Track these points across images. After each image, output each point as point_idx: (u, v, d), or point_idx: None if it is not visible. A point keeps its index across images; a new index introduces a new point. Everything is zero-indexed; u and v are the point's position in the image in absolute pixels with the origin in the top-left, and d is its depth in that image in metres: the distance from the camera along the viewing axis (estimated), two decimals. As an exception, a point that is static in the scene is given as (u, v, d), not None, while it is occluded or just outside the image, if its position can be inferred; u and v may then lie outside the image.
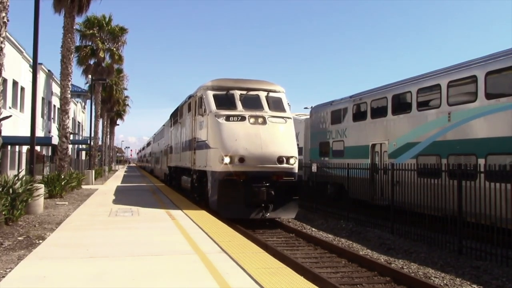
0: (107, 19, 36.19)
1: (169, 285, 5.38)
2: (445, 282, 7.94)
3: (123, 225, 10.02)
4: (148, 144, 53.97)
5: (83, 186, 23.46)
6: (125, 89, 52.43)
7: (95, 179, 29.53)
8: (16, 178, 11.42)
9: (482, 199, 9.39)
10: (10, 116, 12.88)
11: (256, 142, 12.55)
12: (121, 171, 64.09)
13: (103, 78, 35.56)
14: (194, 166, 15.18)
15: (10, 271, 6.03)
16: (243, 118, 12.90)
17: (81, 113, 51.00)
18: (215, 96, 13.57)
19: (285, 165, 12.80)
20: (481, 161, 10.97)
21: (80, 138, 48.38)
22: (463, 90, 12.61)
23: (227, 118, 12.89)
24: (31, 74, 17.83)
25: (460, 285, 7.79)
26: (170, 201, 15.46)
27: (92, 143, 37.38)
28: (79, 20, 28.71)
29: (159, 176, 34.55)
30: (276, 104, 13.82)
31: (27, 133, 17.27)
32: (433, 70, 14.00)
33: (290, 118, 13.69)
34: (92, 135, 37.51)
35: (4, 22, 10.89)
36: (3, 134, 11.27)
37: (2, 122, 11.10)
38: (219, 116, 12.96)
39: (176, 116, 21.35)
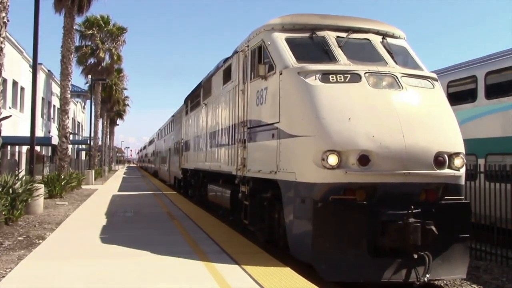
0: (105, 19, 36.21)
1: (169, 285, 5.38)
2: (445, 282, 7.93)
3: (123, 225, 10.02)
4: (151, 142, 51.16)
5: (83, 186, 23.48)
6: (125, 89, 52.62)
7: (95, 179, 29.56)
8: (16, 178, 11.43)
9: (482, 199, 9.39)
10: (10, 116, 12.89)
11: (390, 124, 6.44)
12: (121, 171, 64.18)
13: (103, 78, 35.62)
14: (243, 171, 8.66)
15: (10, 271, 6.04)
16: (355, 78, 6.79)
17: (81, 113, 50.99)
18: (290, 41, 7.46)
19: (446, 170, 6.70)
20: (481, 161, 10.97)
21: (80, 138, 48.39)
22: (463, 90, 12.61)
23: (324, 77, 6.76)
24: (31, 74, 17.82)
25: (460, 285, 7.78)
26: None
27: (92, 143, 37.40)
28: (79, 20, 28.75)
29: (165, 180, 28.63)
30: (403, 57, 7.98)
31: (27, 133, 17.27)
32: (432, 70, 14.00)
33: (436, 79, 7.54)
34: (92, 135, 37.56)
35: (4, 22, 10.89)
36: (3, 134, 11.27)
37: (2, 122, 11.10)
38: (306, 74, 6.78)
39: (197, 97, 14.67)
